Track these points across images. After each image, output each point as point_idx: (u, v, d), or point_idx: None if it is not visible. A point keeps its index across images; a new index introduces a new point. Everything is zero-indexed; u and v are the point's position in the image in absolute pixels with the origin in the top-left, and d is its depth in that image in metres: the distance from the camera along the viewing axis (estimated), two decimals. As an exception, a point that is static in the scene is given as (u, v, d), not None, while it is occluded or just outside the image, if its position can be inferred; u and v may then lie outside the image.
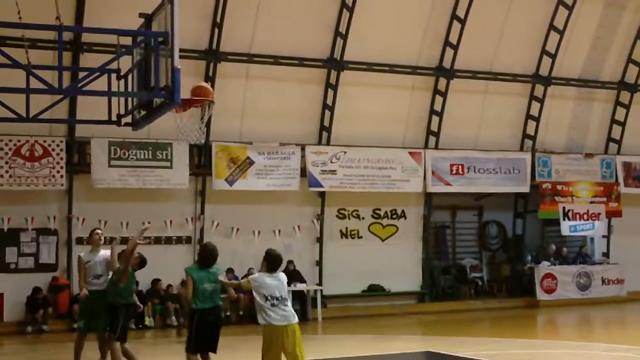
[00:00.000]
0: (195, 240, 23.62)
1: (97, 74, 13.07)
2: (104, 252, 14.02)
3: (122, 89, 13.30)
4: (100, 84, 13.18)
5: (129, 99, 13.48)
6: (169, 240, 23.24)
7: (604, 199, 28.31)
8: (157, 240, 22.91)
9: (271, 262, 10.81)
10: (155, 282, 22.68)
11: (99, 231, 14.53)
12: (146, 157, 22.71)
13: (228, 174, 23.50)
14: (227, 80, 23.61)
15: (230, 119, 23.85)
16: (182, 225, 23.39)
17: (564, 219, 27.57)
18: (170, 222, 23.23)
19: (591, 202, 28.04)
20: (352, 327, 21.89)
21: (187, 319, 11.90)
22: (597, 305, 26.67)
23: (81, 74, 13.58)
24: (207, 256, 11.85)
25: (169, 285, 22.98)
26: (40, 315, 21.63)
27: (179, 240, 23.29)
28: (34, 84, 12.26)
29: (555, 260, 27.95)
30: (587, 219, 27.89)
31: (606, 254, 29.38)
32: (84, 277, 13.91)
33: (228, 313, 22.59)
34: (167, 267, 22.33)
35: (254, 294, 10.60)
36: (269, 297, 10.53)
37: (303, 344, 10.70)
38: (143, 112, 13.46)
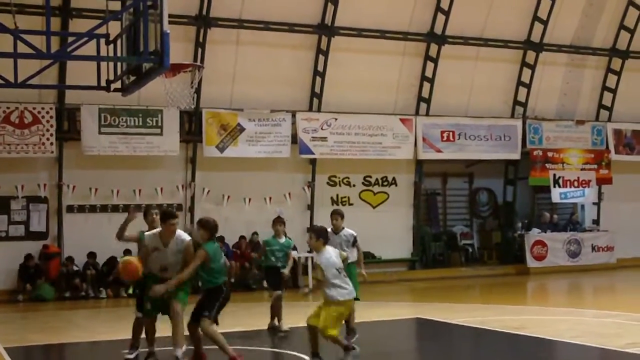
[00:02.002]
0: (186, 208, 23.57)
1: (86, 39, 12.97)
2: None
3: (111, 54, 13.20)
4: (90, 49, 13.08)
5: (118, 64, 13.39)
6: (159, 208, 23.09)
7: (595, 166, 28.32)
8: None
9: (325, 237, 11.12)
10: (145, 249, 22.60)
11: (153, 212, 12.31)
12: (136, 124, 22.62)
13: (219, 140, 23.43)
14: (217, 46, 23.48)
15: (221, 85, 23.75)
16: (173, 192, 23.32)
17: (554, 186, 27.60)
18: (161, 189, 23.14)
19: (582, 169, 28.05)
20: (342, 293, 21.87)
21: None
22: (587, 272, 26.76)
23: (70, 39, 13.47)
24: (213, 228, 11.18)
25: (159, 253, 22.92)
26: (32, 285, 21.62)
27: (169, 207, 23.17)
28: (22, 49, 12.16)
29: (546, 228, 28.02)
30: (578, 186, 27.92)
31: (596, 221, 29.43)
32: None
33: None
34: (158, 234, 22.22)
35: (326, 273, 10.74)
36: (339, 270, 10.87)
37: None
38: (132, 78, 13.37)
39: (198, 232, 11.04)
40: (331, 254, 11.00)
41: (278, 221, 15.11)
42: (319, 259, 10.95)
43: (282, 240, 14.89)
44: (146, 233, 11.44)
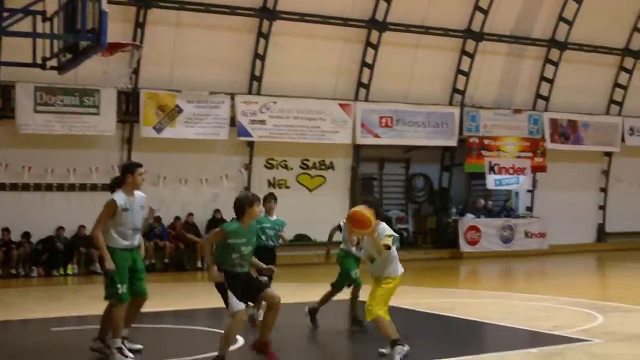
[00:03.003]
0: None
1: (22, 15, 12.87)
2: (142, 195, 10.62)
3: (47, 31, 13.10)
4: (25, 25, 12.97)
5: (55, 42, 13.30)
6: (94, 188, 22.99)
7: (530, 154, 28.73)
8: (82, 187, 22.77)
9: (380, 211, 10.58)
10: (80, 228, 22.46)
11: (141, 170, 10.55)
12: (73, 103, 22.40)
13: (156, 121, 23.31)
14: (158, 27, 23.35)
15: (160, 66, 23.63)
16: (108, 172, 23.05)
17: (489, 173, 27.96)
18: (96, 169, 22.98)
19: (517, 157, 28.44)
20: (277, 275, 21.95)
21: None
22: (520, 258, 27.19)
23: (5, 15, 13.33)
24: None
25: (95, 233, 22.75)
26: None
27: (104, 187, 22.80)
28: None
29: (481, 214, 28.39)
30: (513, 174, 28.31)
31: (530, 208, 29.93)
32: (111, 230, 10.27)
33: (153, 261, 22.58)
34: (92, 214, 21.90)
35: (393, 246, 10.36)
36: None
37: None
38: (69, 56, 13.30)
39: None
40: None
41: (270, 198, 13.73)
42: (383, 230, 10.35)
43: (274, 218, 13.74)
44: (114, 196, 10.34)
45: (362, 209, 10.29)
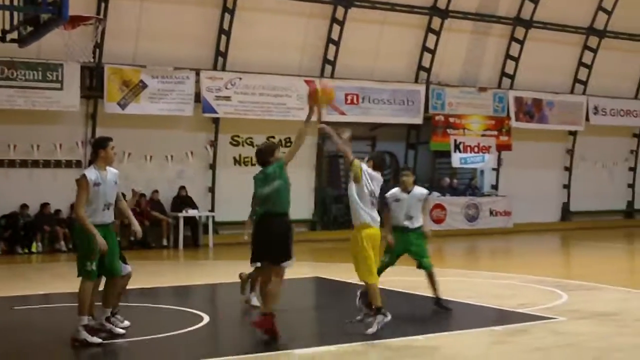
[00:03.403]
0: (85, 164, 23.16)
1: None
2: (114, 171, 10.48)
3: (7, 2, 12.87)
4: (-16, -3, 12.74)
5: (15, 14, 13.07)
6: (58, 164, 22.75)
7: (495, 133, 28.82)
8: (46, 164, 22.53)
9: (382, 164, 10.83)
10: (44, 206, 22.24)
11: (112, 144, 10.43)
12: (35, 77, 22.04)
13: (120, 97, 23.03)
14: (122, 0, 23.02)
15: (124, 41, 23.35)
16: (72, 148, 22.91)
17: (454, 151, 28.02)
18: (60, 145, 22.72)
19: (482, 135, 28.52)
20: (243, 253, 21.62)
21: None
22: (484, 236, 27.34)
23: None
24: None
25: (58, 210, 22.56)
26: None
27: (68, 164, 22.77)
28: None
29: (446, 192, 28.46)
30: (478, 152, 28.39)
31: (495, 187, 30.05)
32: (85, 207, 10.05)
33: (118, 238, 22.35)
34: (56, 191, 21.97)
35: (358, 186, 10.43)
36: (372, 193, 10.52)
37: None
38: (30, 29, 13.08)
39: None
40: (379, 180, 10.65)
41: None
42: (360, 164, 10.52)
43: None
44: (85, 171, 10.22)
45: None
